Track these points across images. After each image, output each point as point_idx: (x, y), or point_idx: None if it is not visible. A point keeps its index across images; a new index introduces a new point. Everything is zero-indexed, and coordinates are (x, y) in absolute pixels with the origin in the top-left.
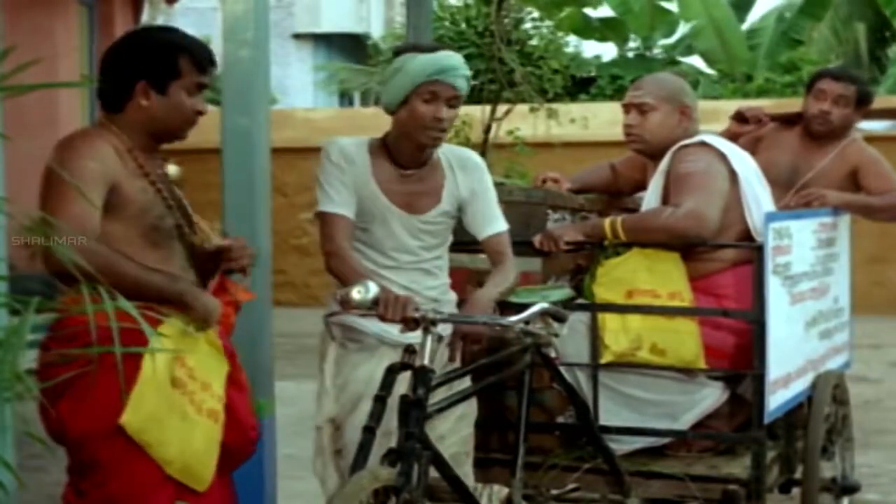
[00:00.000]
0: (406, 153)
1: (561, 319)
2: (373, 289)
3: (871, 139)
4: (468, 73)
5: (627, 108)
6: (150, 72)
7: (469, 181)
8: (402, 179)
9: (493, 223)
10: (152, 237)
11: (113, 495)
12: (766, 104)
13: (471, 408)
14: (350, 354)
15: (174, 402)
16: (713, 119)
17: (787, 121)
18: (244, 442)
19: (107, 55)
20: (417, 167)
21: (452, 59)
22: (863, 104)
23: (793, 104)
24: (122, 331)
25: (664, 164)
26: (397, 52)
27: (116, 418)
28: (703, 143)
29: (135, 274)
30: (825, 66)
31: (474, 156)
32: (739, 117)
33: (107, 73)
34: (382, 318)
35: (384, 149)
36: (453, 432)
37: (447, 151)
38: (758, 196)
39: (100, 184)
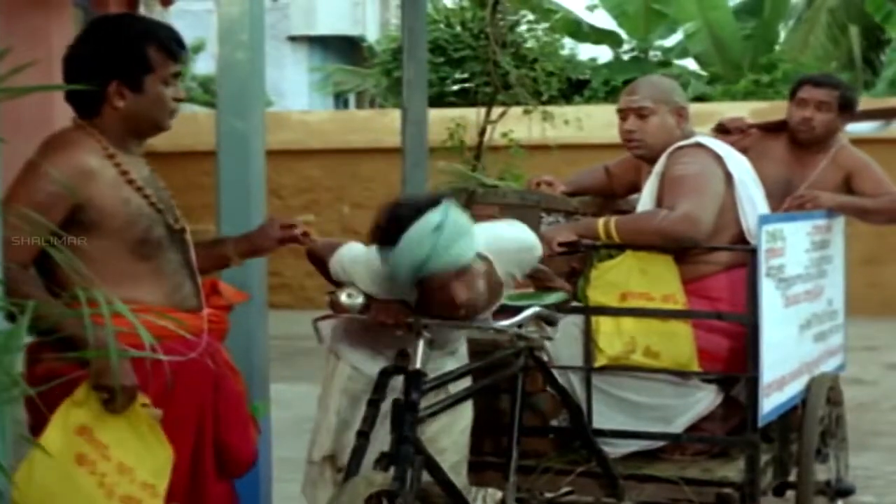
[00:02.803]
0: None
1: (552, 323)
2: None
3: (859, 142)
4: (452, 239)
5: (625, 113)
6: (121, 70)
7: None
8: None
9: None
10: (141, 250)
11: None
12: (763, 107)
13: (469, 417)
14: (359, 394)
15: (76, 479)
16: (709, 122)
17: (773, 128)
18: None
19: (70, 57)
20: None
21: (419, 247)
22: (846, 109)
23: (782, 107)
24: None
25: (659, 165)
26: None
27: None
28: (699, 145)
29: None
30: (807, 73)
31: None
32: (721, 129)
33: (73, 78)
34: (375, 321)
35: None
36: (455, 443)
37: None
38: (752, 198)
39: (56, 208)
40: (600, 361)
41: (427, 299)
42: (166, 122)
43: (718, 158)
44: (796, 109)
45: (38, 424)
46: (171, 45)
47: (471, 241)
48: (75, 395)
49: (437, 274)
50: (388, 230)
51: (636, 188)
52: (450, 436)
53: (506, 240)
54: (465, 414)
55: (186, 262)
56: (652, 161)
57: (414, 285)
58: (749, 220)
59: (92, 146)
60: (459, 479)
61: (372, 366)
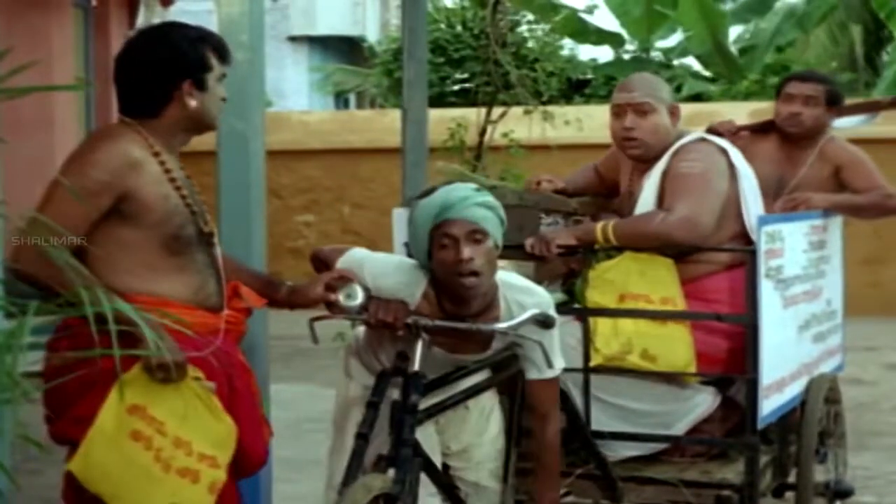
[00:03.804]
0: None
1: (549, 325)
2: (360, 293)
3: (860, 141)
4: (487, 199)
5: (622, 109)
6: (191, 70)
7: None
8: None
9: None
10: (172, 246)
11: None
12: (762, 107)
13: (497, 424)
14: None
15: (133, 455)
16: (709, 122)
17: (762, 129)
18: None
19: (129, 62)
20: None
21: (456, 191)
22: (833, 103)
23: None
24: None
25: (662, 163)
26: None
27: None
28: (703, 139)
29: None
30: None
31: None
32: (712, 132)
33: (135, 81)
34: (374, 321)
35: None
36: (488, 453)
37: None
38: (756, 192)
39: (103, 195)
40: (596, 360)
41: (438, 273)
42: (217, 122)
43: (723, 151)
44: (784, 105)
45: (56, 416)
46: (222, 47)
47: (499, 227)
48: (126, 377)
49: (456, 222)
50: (433, 189)
51: (619, 188)
52: (481, 447)
53: (528, 292)
54: (492, 423)
55: (212, 263)
56: (646, 161)
57: (428, 241)
58: (752, 215)
59: (139, 141)
60: (500, 485)
61: None
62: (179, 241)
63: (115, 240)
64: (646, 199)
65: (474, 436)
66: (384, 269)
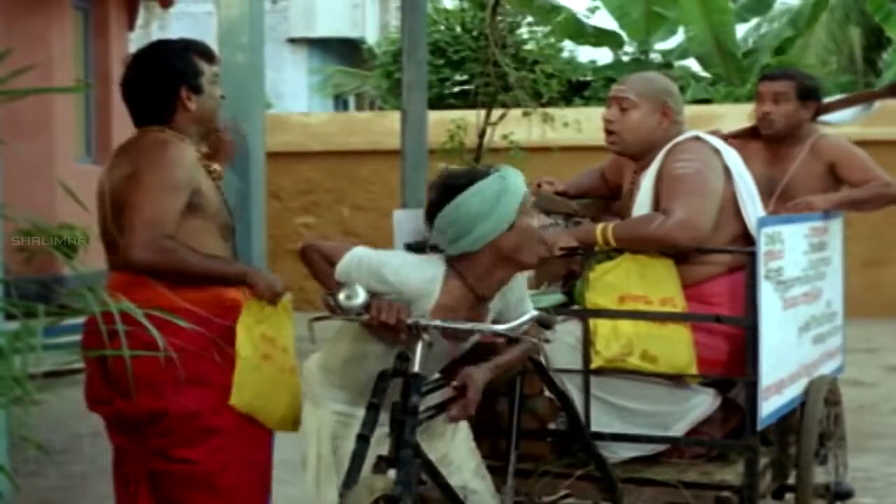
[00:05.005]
0: (494, 286)
1: (549, 326)
2: (361, 294)
3: (861, 143)
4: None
5: (609, 101)
6: (185, 76)
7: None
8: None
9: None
10: (224, 233)
11: (232, 457)
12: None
13: (464, 422)
14: (348, 432)
15: (269, 374)
16: (710, 124)
17: (748, 134)
18: None
19: (132, 83)
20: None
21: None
22: (807, 98)
23: None
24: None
25: (657, 163)
26: (463, 181)
27: (226, 391)
28: (696, 138)
29: (200, 262)
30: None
31: None
32: None
33: (142, 97)
34: (374, 322)
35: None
36: (465, 452)
37: None
38: (752, 192)
39: (184, 190)
40: (596, 363)
41: (518, 242)
42: (217, 121)
43: (717, 151)
44: (756, 106)
45: (130, 395)
46: (207, 50)
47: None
48: (248, 313)
49: (524, 209)
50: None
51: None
52: (456, 448)
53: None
54: (459, 424)
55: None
56: (629, 157)
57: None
58: (751, 216)
59: (185, 142)
60: (486, 483)
61: (360, 402)
62: (228, 230)
63: (186, 230)
64: (642, 199)
65: (445, 438)
66: (402, 265)
